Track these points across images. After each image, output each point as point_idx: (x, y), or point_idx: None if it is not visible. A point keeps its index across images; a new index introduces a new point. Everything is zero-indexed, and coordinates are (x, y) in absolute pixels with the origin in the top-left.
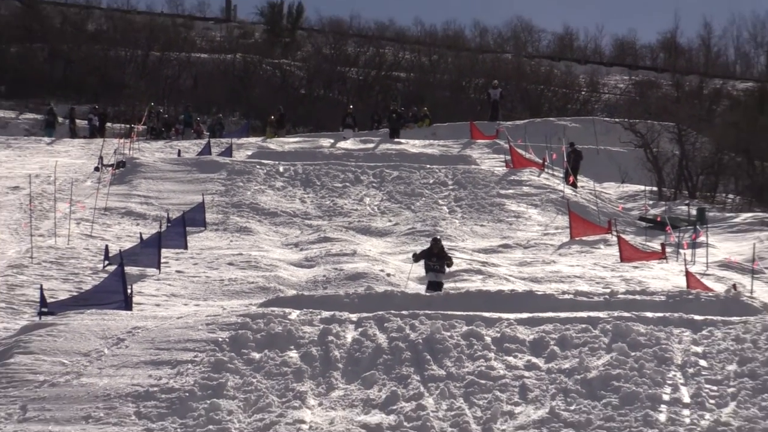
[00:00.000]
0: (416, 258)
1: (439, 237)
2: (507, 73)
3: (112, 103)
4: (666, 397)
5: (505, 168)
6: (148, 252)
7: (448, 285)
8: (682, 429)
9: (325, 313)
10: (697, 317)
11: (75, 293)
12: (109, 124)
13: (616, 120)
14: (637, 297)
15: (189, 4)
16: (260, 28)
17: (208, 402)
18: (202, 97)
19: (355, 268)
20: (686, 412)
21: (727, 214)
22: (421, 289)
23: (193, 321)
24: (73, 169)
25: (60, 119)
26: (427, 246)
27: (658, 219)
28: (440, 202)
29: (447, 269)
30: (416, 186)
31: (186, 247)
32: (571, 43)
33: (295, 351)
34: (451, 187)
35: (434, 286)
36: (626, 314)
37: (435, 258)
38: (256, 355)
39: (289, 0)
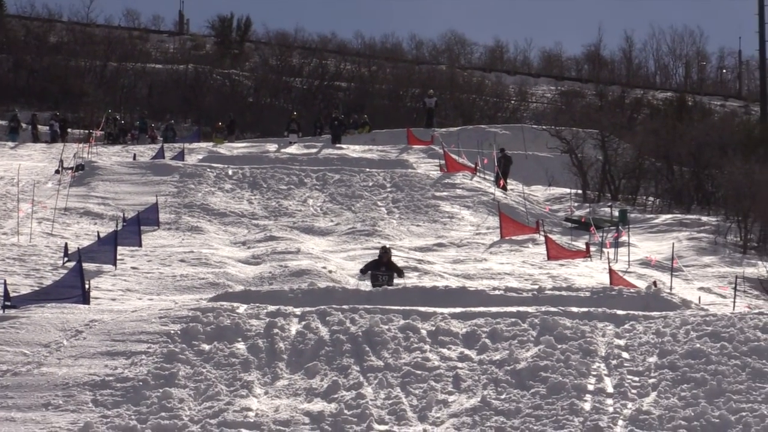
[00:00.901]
0: (363, 271)
1: (389, 246)
2: (441, 84)
3: (72, 110)
4: (591, 387)
5: (439, 172)
6: (105, 249)
7: None
8: (605, 417)
9: (271, 308)
10: (619, 312)
11: (36, 288)
12: (70, 130)
13: (544, 127)
14: (563, 293)
15: (145, 18)
16: (211, 40)
17: (161, 390)
18: (156, 104)
19: (299, 266)
20: (610, 401)
21: (648, 216)
22: (361, 285)
23: (147, 314)
24: (35, 171)
25: (23, 125)
26: (373, 257)
27: (583, 220)
28: (379, 203)
29: (396, 281)
30: (356, 188)
31: (140, 245)
32: (501, 56)
33: (242, 343)
34: (389, 189)
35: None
36: (553, 309)
37: (384, 268)
38: (206, 347)
39: (238, 14)
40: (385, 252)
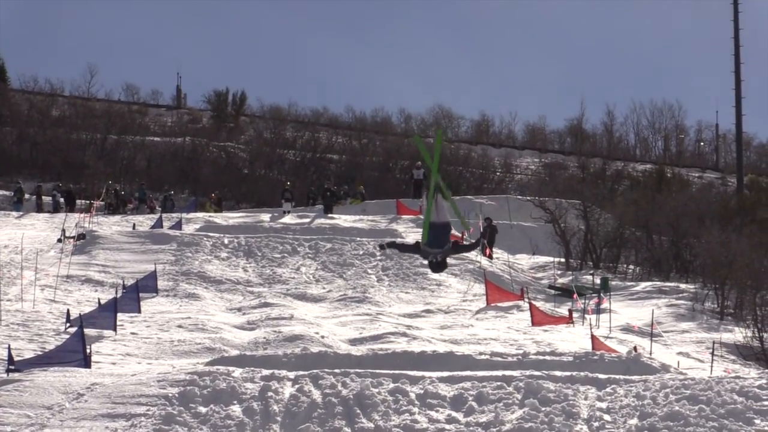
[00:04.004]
0: (389, 246)
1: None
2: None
3: (73, 181)
4: None
5: None
6: (106, 315)
7: (375, 346)
8: None
9: (265, 371)
10: (601, 376)
11: (39, 352)
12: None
13: (528, 198)
14: (547, 357)
15: (143, 93)
16: (207, 114)
17: None
18: (154, 176)
19: (292, 331)
20: None
21: (628, 283)
22: (352, 349)
23: (146, 378)
24: (38, 240)
25: (27, 195)
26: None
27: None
28: (369, 271)
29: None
30: (348, 257)
31: (139, 311)
32: (487, 129)
33: (238, 405)
34: (379, 257)
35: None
36: (537, 373)
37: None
38: (203, 409)
39: (233, 89)
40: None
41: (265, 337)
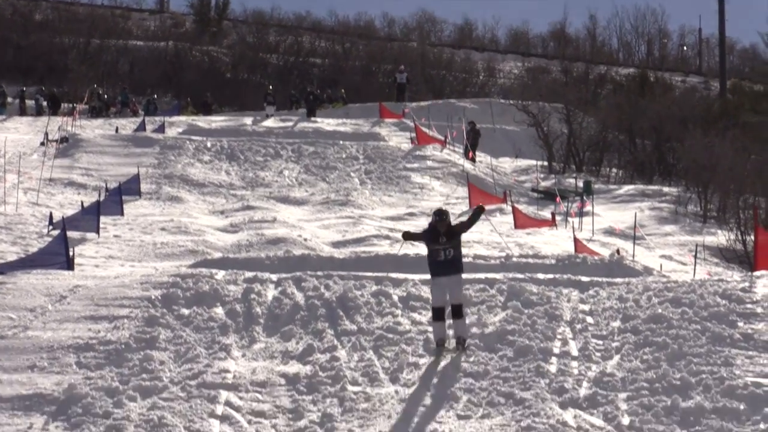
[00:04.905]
0: (408, 237)
1: (444, 209)
2: (412, 60)
3: (56, 85)
4: (556, 350)
5: (410, 144)
6: (89, 218)
7: (357, 249)
8: (570, 379)
9: (248, 274)
10: (584, 279)
11: (22, 255)
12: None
13: (511, 102)
14: (530, 260)
15: None
16: (190, 18)
17: (142, 353)
18: (137, 80)
19: (275, 234)
20: (575, 363)
21: (611, 186)
22: (335, 252)
23: (129, 280)
24: (21, 143)
25: (9, 99)
26: (422, 229)
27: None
28: (352, 174)
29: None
30: (330, 160)
31: (122, 214)
32: (470, 33)
33: (220, 308)
34: (362, 161)
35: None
36: (520, 276)
37: (444, 239)
38: (186, 312)
39: None
40: (441, 218)
41: (248, 240)
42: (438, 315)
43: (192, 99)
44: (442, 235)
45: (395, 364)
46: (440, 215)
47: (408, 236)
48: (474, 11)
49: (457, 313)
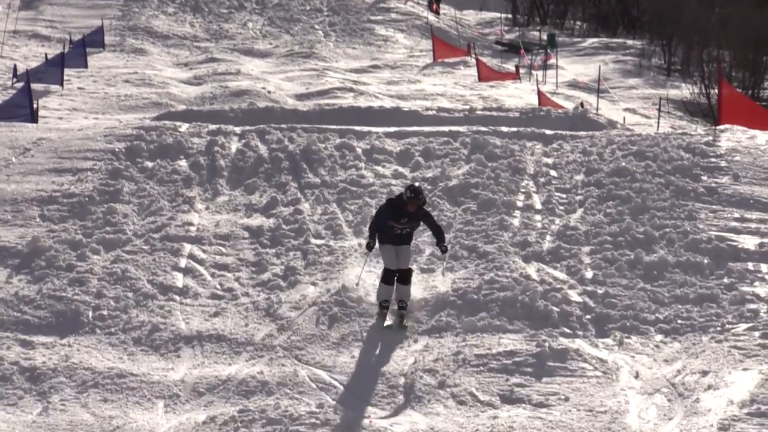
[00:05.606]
0: (377, 217)
1: (419, 186)
2: None
3: None
4: (520, 204)
5: None
6: (53, 70)
7: (321, 101)
8: (534, 232)
9: (212, 126)
10: (547, 132)
11: None
12: None
13: None
14: (494, 113)
15: None
16: None
17: (106, 206)
18: None
19: (239, 86)
20: (538, 217)
21: (575, 39)
22: (299, 105)
23: (93, 133)
24: None
25: None
26: (387, 198)
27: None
28: (316, 26)
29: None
30: (294, 12)
31: (86, 66)
32: None
33: (184, 160)
34: (326, 13)
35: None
36: (484, 128)
37: (406, 219)
38: (150, 164)
39: None
40: (415, 197)
41: (211, 92)
42: (388, 278)
43: None
44: (405, 216)
45: (358, 218)
46: (415, 193)
47: (371, 239)
48: None
49: (404, 279)
